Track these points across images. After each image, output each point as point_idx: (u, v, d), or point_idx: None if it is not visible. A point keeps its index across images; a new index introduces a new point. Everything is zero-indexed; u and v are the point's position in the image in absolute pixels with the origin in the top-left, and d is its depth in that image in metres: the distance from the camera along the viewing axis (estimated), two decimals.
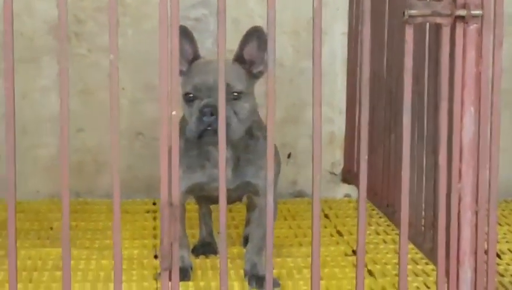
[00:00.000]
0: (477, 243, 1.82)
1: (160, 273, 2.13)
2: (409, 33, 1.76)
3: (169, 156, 1.78)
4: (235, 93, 2.05)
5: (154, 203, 2.90)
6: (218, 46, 1.77)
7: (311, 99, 3.00)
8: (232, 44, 2.07)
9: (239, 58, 2.10)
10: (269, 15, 1.76)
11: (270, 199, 1.81)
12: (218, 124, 1.96)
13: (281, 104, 2.94)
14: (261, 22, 2.96)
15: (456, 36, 1.79)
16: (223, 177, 1.80)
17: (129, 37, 2.93)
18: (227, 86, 1.93)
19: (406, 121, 1.80)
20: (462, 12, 1.77)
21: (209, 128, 2.02)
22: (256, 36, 2.10)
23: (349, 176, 2.94)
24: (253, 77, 2.12)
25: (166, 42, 1.75)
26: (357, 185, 2.88)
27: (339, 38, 2.95)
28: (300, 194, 3.03)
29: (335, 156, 2.99)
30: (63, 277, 1.77)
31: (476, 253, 1.82)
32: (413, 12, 1.76)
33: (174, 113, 1.77)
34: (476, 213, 1.81)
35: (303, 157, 3.02)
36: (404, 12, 1.76)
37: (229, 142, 1.94)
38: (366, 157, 1.83)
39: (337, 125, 2.98)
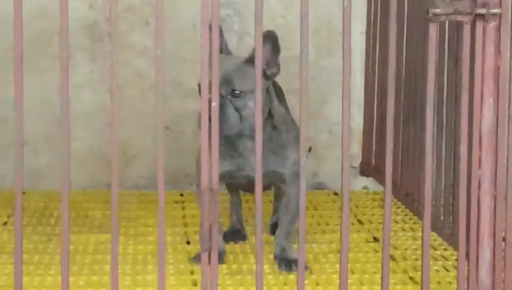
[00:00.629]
0: (496, 225, 1.95)
1: (195, 257, 2.28)
2: (433, 30, 1.90)
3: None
4: (237, 92, 2.19)
5: (181, 195, 3.04)
6: (256, 48, 1.89)
7: (331, 95, 3.16)
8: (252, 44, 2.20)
9: (252, 60, 2.24)
10: (302, 12, 1.89)
11: (303, 183, 1.94)
12: (220, 120, 2.12)
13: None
14: (282, 22, 3.12)
15: (476, 33, 1.92)
16: (259, 167, 1.93)
17: (156, 36, 3.07)
18: (230, 84, 2.09)
19: (429, 111, 1.93)
20: (482, 10, 1.90)
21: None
22: (269, 40, 2.23)
23: (367, 169, 3.08)
24: (266, 78, 2.24)
25: (207, 38, 1.88)
26: (376, 178, 3.03)
27: (357, 37, 3.08)
28: (320, 186, 3.16)
29: (353, 150, 3.13)
30: (111, 260, 1.88)
31: (494, 235, 1.95)
32: (436, 10, 1.89)
33: (214, 104, 1.91)
34: (495, 198, 1.94)
35: (323, 151, 3.16)
36: (428, 11, 1.90)
37: (249, 134, 2.12)
38: (392, 146, 1.95)
39: (355, 120, 3.12)
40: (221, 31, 2.26)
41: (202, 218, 1.92)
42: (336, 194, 3.07)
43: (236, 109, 2.19)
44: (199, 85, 2.20)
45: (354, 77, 3.13)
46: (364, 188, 3.16)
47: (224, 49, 2.27)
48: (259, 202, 1.92)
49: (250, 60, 2.24)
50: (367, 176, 3.10)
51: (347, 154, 1.96)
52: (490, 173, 1.94)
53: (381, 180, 2.93)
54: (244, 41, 3.11)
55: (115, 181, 1.97)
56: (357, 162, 3.15)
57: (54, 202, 2.87)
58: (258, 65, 1.90)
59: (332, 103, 3.14)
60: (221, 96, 2.16)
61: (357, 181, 3.14)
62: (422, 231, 1.94)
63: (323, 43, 3.12)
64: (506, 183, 1.95)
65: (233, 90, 2.19)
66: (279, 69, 2.24)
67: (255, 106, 2.20)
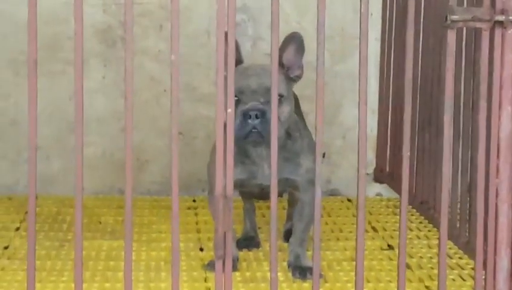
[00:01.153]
0: None
1: (208, 264, 2.26)
2: (451, 37, 1.88)
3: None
4: (277, 97, 2.16)
5: (194, 201, 3.02)
6: (272, 53, 1.88)
7: (345, 101, 3.14)
8: (268, 49, 2.18)
9: (278, 63, 2.21)
10: (319, 20, 1.88)
11: (318, 190, 1.92)
12: (262, 126, 2.10)
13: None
14: (297, 27, 3.09)
15: (494, 40, 1.90)
16: (274, 175, 1.91)
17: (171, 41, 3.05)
18: (269, 89, 2.05)
19: (447, 119, 1.91)
20: (500, 17, 1.88)
21: (254, 130, 2.13)
22: (293, 42, 2.21)
23: (381, 175, 3.06)
24: (291, 80, 2.23)
25: (223, 45, 1.86)
26: (390, 184, 3.01)
27: (372, 43, 3.05)
28: (334, 193, 3.14)
29: (367, 156, 3.09)
30: (125, 267, 1.87)
31: None
32: (455, 17, 1.87)
33: (229, 111, 1.89)
34: None
35: (337, 158, 3.14)
36: (446, 18, 1.88)
37: (268, 142, 2.04)
38: (409, 153, 1.93)
39: (369, 126, 3.10)
40: (236, 41, 2.23)
41: (216, 225, 1.91)
42: (349, 200, 3.05)
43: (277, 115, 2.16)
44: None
45: (368, 82, 3.09)
46: (378, 194, 3.14)
47: (241, 58, 2.25)
48: (274, 210, 1.90)
49: (279, 64, 2.22)
50: (381, 182, 3.08)
51: (364, 162, 1.94)
52: (508, 181, 1.92)
53: (395, 187, 2.91)
54: (258, 46, 3.09)
55: (129, 187, 1.96)
56: (370, 169, 3.13)
57: (67, 207, 2.86)
58: (274, 70, 1.89)
59: (346, 108, 3.12)
60: (261, 103, 2.13)
61: (370, 188, 3.12)
62: (439, 240, 1.92)
63: (337, 49, 3.10)
64: None
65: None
66: (302, 72, 2.22)
67: (289, 111, 2.19)
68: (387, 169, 3.00)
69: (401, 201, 1.95)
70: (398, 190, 2.85)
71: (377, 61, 3.05)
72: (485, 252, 1.95)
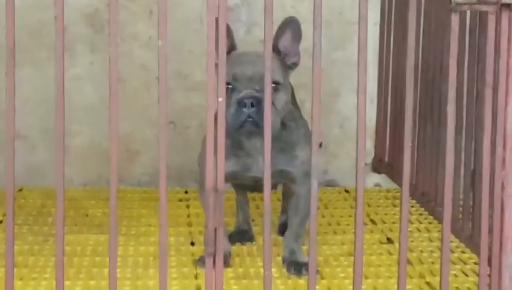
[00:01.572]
0: None
1: (199, 260, 2.16)
2: (455, 21, 1.77)
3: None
4: (274, 85, 2.06)
5: (186, 192, 2.92)
6: (265, 40, 1.77)
7: (343, 89, 3.03)
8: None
9: (274, 49, 2.11)
10: (315, 2, 1.77)
11: (314, 183, 1.82)
12: (258, 115, 1.99)
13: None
14: (293, 13, 2.98)
15: (501, 24, 1.79)
16: (268, 166, 1.81)
17: (158, 26, 2.94)
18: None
19: (450, 109, 1.80)
20: (508, 0, 1.77)
21: (249, 119, 2.02)
22: (290, 27, 2.10)
23: (379, 165, 2.96)
24: (287, 68, 2.12)
25: (213, 31, 1.76)
26: (389, 175, 2.90)
27: (370, 28, 2.95)
28: (331, 184, 3.04)
29: (366, 146, 2.99)
30: (110, 263, 1.77)
31: None
32: (459, 0, 1.76)
33: (220, 100, 1.79)
34: None
35: (334, 147, 3.04)
36: (450, 0, 1.77)
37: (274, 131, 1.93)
38: (410, 144, 1.83)
39: (368, 114, 2.99)
40: (229, 28, 2.12)
41: (206, 220, 1.81)
42: (347, 191, 2.95)
43: (273, 104, 2.05)
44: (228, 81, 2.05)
45: (367, 69, 2.99)
46: (377, 185, 3.03)
47: (235, 45, 2.14)
48: (268, 204, 1.80)
49: (274, 49, 2.11)
50: (379, 172, 2.98)
51: (362, 154, 1.84)
52: None
53: (394, 178, 2.81)
54: (253, 33, 2.98)
55: (114, 179, 1.85)
56: (369, 159, 3.03)
57: (53, 199, 2.74)
58: (268, 58, 1.78)
59: (344, 96, 3.01)
60: (256, 91, 2.02)
61: (369, 178, 3.02)
62: (442, 238, 1.82)
63: (335, 34, 2.99)
64: None
65: (273, 82, 2.05)
66: (299, 59, 2.11)
67: (286, 100, 2.08)
68: (387, 159, 2.90)
69: (401, 195, 1.85)
70: (397, 181, 2.75)
71: (375, 47, 2.94)
72: (490, 248, 1.85)
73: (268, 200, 1.80)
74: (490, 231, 1.84)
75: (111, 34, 1.79)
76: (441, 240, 1.83)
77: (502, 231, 1.82)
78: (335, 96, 3.02)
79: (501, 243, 1.82)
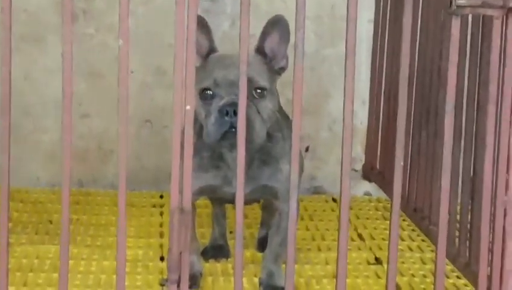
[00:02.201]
0: None
1: (167, 280, 1.96)
2: (456, 25, 1.57)
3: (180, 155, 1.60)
4: (259, 90, 1.84)
5: (161, 197, 2.71)
6: (241, 40, 1.57)
7: (333, 89, 2.82)
8: (251, 30, 1.87)
9: (260, 51, 1.90)
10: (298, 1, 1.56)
11: (293, 204, 1.62)
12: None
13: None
14: (282, 6, 2.77)
15: (508, 30, 1.59)
16: (241, 179, 1.61)
17: (139, 16, 2.74)
18: (250, 81, 1.71)
19: (448, 121, 1.60)
20: None
21: (232, 129, 1.80)
22: (277, 27, 1.88)
23: (370, 173, 2.75)
24: (274, 72, 1.91)
25: (183, 27, 1.56)
26: (379, 184, 2.70)
27: (364, 25, 2.74)
28: (318, 191, 2.83)
29: (356, 151, 2.79)
30: (59, 281, 1.59)
31: None
32: (461, 2, 1.56)
33: (188, 108, 1.58)
34: None
35: (323, 151, 2.83)
36: (451, 2, 1.57)
37: (249, 143, 1.71)
38: (402, 163, 1.62)
39: (359, 117, 2.79)
40: (208, 27, 1.90)
41: (170, 243, 1.61)
42: (334, 200, 2.74)
43: (259, 112, 1.83)
44: (204, 89, 1.85)
45: (359, 69, 2.77)
46: (367, 193, 2.83)
47: (214, 47, 1.92)
48: (240, 229, 1.59)
49: (259, 51, 1.90)
50: (370, 180, 2.77)
51: (348, 161, 1.63)
52: None
53: (385, 188, 2.60)
54: (238, 26, 2.76)
55: (66, 185, 1.66)
56: (359, 165, 2.82)
57: (16, 201, 2.55)
58: (243, 62, 1.57)
59: (335, 97, 2.80)
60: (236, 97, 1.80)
61: (359, 185, 2.82)
62: (436, 265, 1.63)
63: (326, 31, 2.78)
64: None
65: (257, 88, 1.83)
66: (287, 62, 1.89)
67: (273, 107, 1.86)
68: (378, 166, 2.69)
69: (391, 221, 1.65)
70: (388, 192, 2.54)
71: (369, 46, 2.73)
72: (490, 278, 1.66)
73: (241, 224, 1.60)
74: (490, 261, 1.65)
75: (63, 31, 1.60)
76: (435, 265, 1.64)
77: (502, 264, 1.63)
78: (325, 97, 2.81)
79: (501, 277, 1.63)
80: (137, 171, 2.78)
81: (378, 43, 2.67)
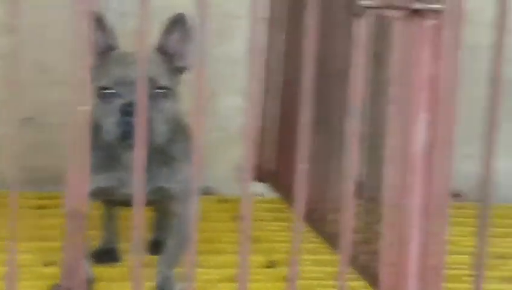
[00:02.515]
0: (425, 264, 1.63)
1: (59, 286, 1.86)
2: (360, 26, 1.54)
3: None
4: (161, 90, 1.78)
5: (41, 199, 2.59)
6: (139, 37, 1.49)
7: (222, 89, 2.78)
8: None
9: (160, 51, 1.84)
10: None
11: (192, 203, 1.56)
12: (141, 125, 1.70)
13: (190, 92, 2.68)
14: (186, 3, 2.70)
15: (410, 33, 1.58)
16: (140, 182, 1.53)
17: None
18: (151, 80, 1.66)
19: (353, 126, 1.57)
20: (419, 5, 1.56)
21: (131, 129, 1.73)
22: (178, 26, 1.83)
23: (263, 173, 2.72)
24: (176, 71, 1.85)
25: (79, 23, 1.47)
26: (273, 185, 2.67)
27: (259, 23, 2.70)
28: (208, 191, 2.79)
29: (247, 151, 2.75)
30: None
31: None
32: (367, 2, 1.54)
33: (85, 108, 1.50)
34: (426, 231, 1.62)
35: (211, 151, 2.78)
36: (354, 2, 1.54)
37: (151, 144, 1.65)
38: (305, 174, 1.59)
39: (253, 118, 2.75)
40: (105, 23, 1.83)
41: (65, 249, 1.52)
42: (225, 201, 2.70)
43: (161, 111, 1.77)
44: (102, 88, 1.77)
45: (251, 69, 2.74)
46: (260, 195, 2.80)
47: (114, 44, 1.85)
48: (139, 235, 1.52)
49: (161, 50, 1.84)
50: (263, 181, 2.74)
51: (248, 162, 1.58)
52: (420, 204, 1.61)
53: (279, 189, 2.57)
54: (126, 23, 2.68)
55: None
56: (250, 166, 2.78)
57: None
58: (142, 60, 1.50)
59: (223, 97, 2.76)
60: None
61: (251, 187, 2.77)
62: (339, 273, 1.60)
63: (215, 29, 2.73)
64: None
65: (160, 87, 1.77)
66: (189, 62, 1.84)
67: (175, 107, 1.81)
68: (270, 167, 2.67)
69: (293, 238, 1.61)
70: (283, 193, 2.53)
71: (263, 44, 2.69)
72: (389, 280, 1.65)
73: (141, 227, 1.53)
74: (390, 265, 1.64)
75: None
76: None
77: (403, 266, 1.62)
78: (213, 96, 2.76)
79: (402, 279, 1.62)
80: (13, 169, 2.65)
81: (273, 40, 2.64)
